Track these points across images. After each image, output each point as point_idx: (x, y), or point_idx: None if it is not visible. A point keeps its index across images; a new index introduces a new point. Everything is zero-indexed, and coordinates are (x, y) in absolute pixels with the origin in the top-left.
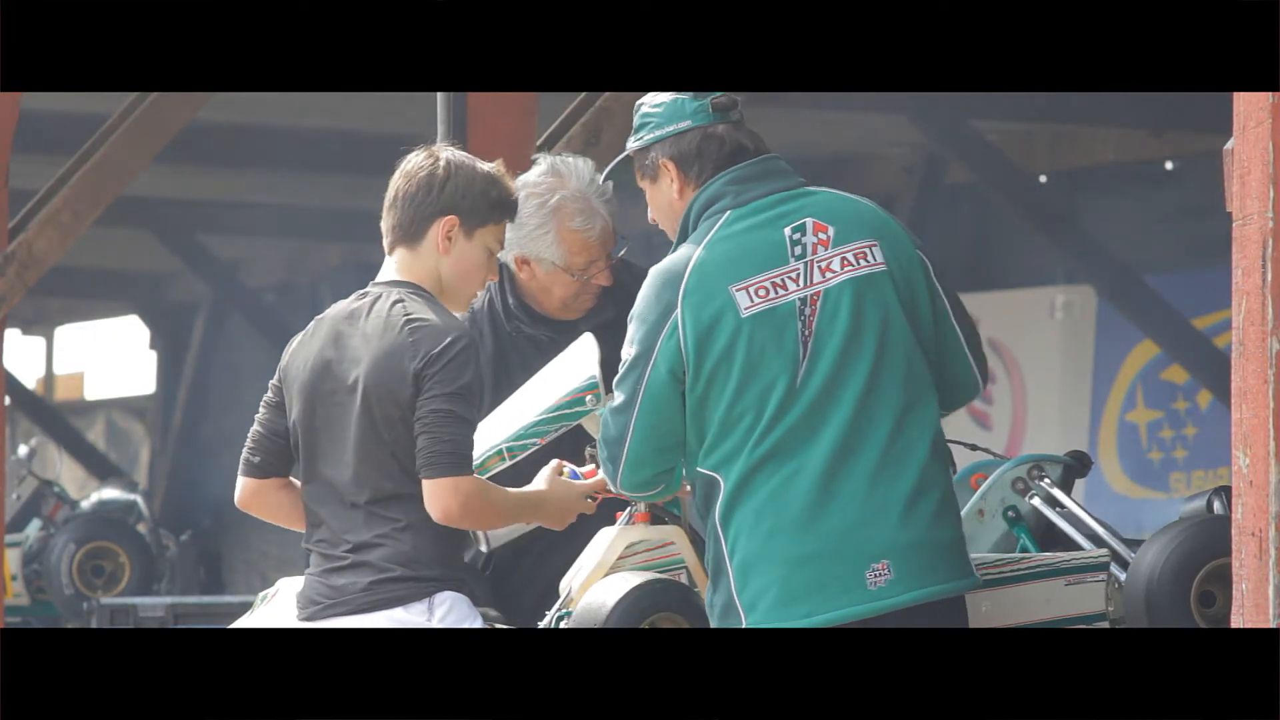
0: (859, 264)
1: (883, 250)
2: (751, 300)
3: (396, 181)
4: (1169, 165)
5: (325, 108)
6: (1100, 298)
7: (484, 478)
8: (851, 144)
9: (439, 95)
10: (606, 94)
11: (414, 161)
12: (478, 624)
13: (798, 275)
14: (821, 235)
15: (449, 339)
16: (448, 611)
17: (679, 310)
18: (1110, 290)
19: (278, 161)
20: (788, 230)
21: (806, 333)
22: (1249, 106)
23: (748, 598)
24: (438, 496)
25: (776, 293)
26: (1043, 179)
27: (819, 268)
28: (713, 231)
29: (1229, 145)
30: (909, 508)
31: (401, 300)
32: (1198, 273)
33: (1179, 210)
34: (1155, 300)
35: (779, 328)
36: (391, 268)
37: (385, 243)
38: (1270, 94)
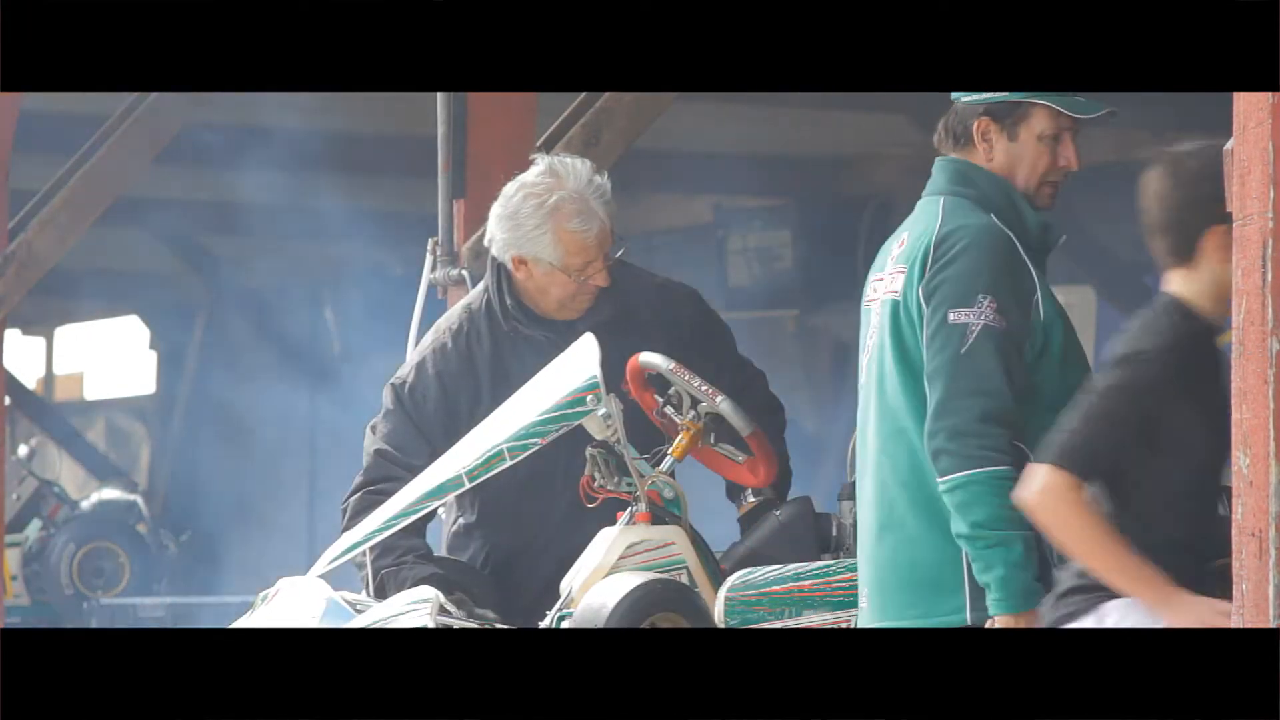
0: (890, 287)
1: (905, 279)
2: (865, 295)
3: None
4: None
5: (325, 108)
6: (1100, 298)
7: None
8: (851, 144)
9: (439, 95)
10: (606, 94)
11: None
12: None
13: (879, 283)
14: (897, 250)
15: None
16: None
17: None
18: (1110, 290)
19: (278, 161)
20: (898, 236)
21: (870, 340)
22: (1249, 106)
23: None
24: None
25: (871, 292)
26: None
27: (886, 282)
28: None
29: (1229, 145)
30: (877, 540)
31: None
32: None
33: None
34: None
35: (864, 328)
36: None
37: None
38: (1270, 94)
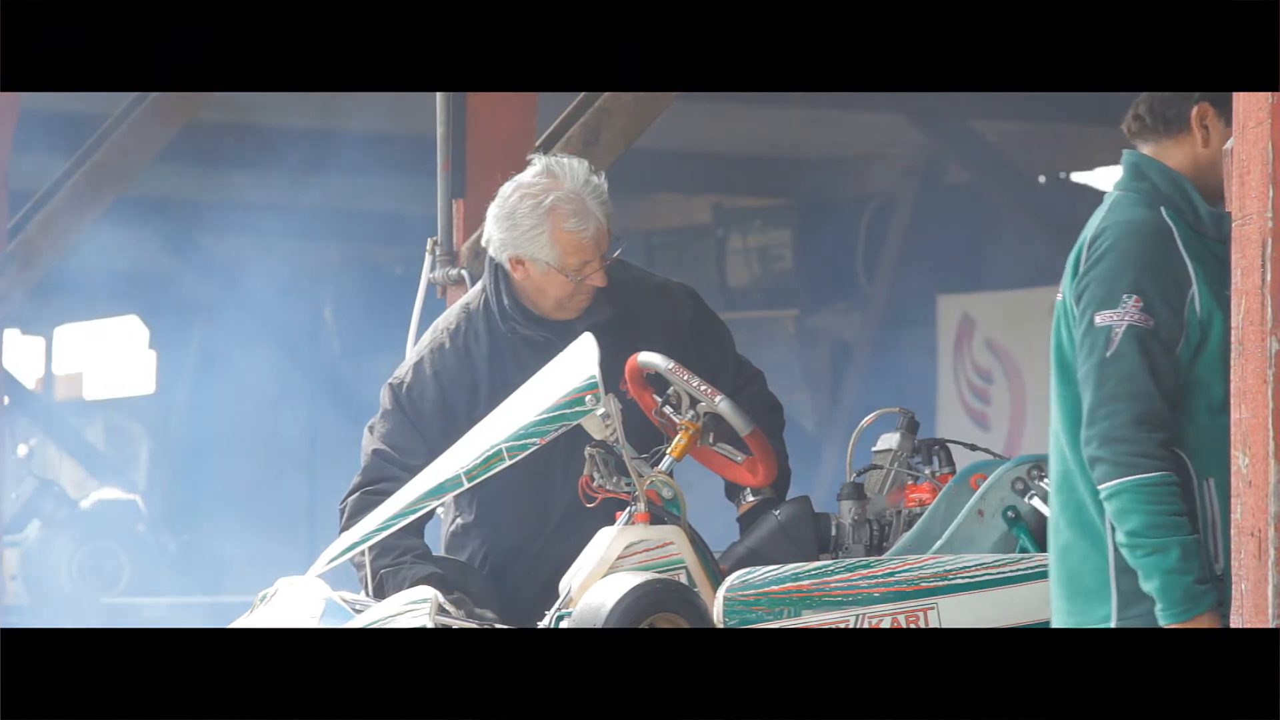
0: (1061, 288)
1: (1065, 280)
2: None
3: None
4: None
5: (325, 107)
6: None
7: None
8: (852, 145)
9: (439, 96)
10: (606, 94)
11: None
12: None
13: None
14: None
15: None
16: None
17: None
18: None
19: (278, 161)
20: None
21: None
22: (1249, 106)
23: None
24: None
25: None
26: (1042, 179)
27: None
28: None
29: (1228, 145)
30: (1049, 545)
31: None
32: None
33: None
34: None
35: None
36: None
37: None
38: (1270, 94)
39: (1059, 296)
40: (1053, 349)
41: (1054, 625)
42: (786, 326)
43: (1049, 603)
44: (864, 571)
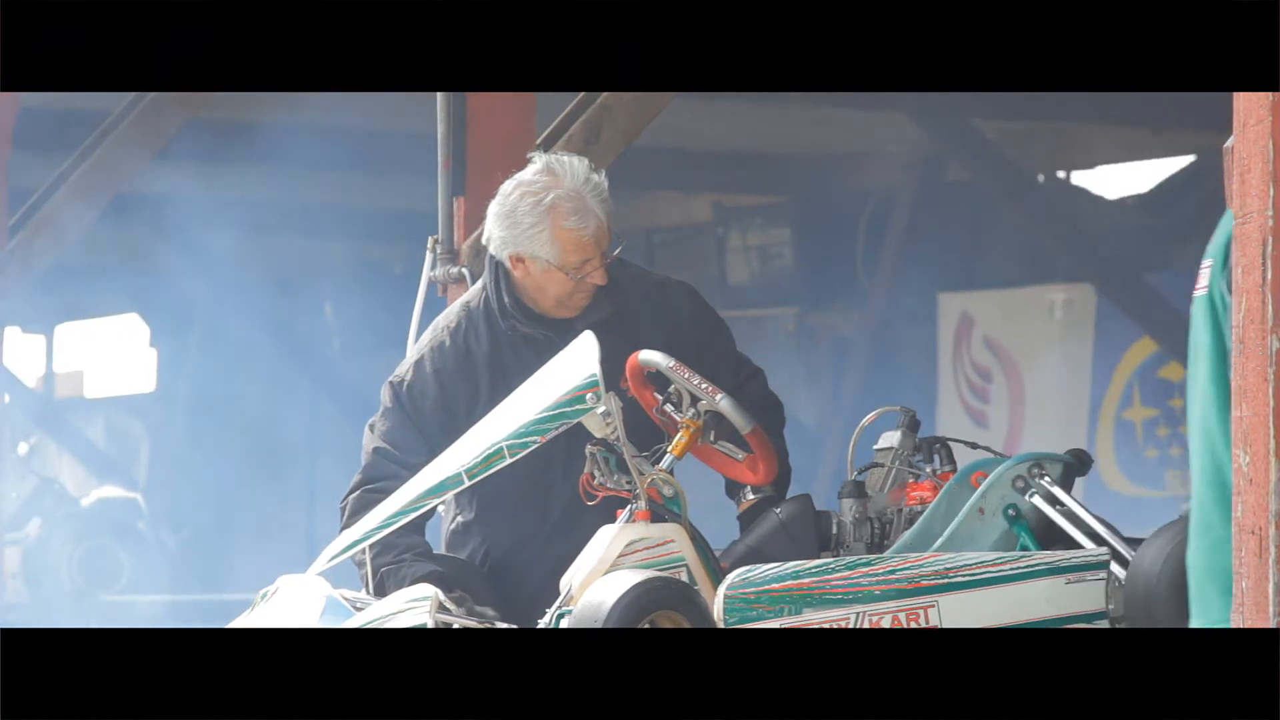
0: (1201, 283)
1: (1210, 273)
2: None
3: None
4: (1167, 163)
5: (326, 106)
6: (1099, 295)
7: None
8: (851, 143)
9: (439, 95)
10: (605, 93)
11: None
12: None
13: (1205, 274)
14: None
15: None
16: None
17: None
18: (1109, 288)
19: (277, 159)
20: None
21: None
22: (1249, 104)
23: None
24: None
25: (1198, 284)
26: (1042, 178)
27: (1199, 280)
28: None
29: (1229, 143)
30: (1194, 543)
31: None
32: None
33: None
34: (1154, 297)
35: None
36: None
37: None
38: (1270, 93)
39: (1200, 293)
40: (1204, 343)
41: (1196, 623)
42: (786, 324)
43: (1049, 600)
44: (865, 569)
